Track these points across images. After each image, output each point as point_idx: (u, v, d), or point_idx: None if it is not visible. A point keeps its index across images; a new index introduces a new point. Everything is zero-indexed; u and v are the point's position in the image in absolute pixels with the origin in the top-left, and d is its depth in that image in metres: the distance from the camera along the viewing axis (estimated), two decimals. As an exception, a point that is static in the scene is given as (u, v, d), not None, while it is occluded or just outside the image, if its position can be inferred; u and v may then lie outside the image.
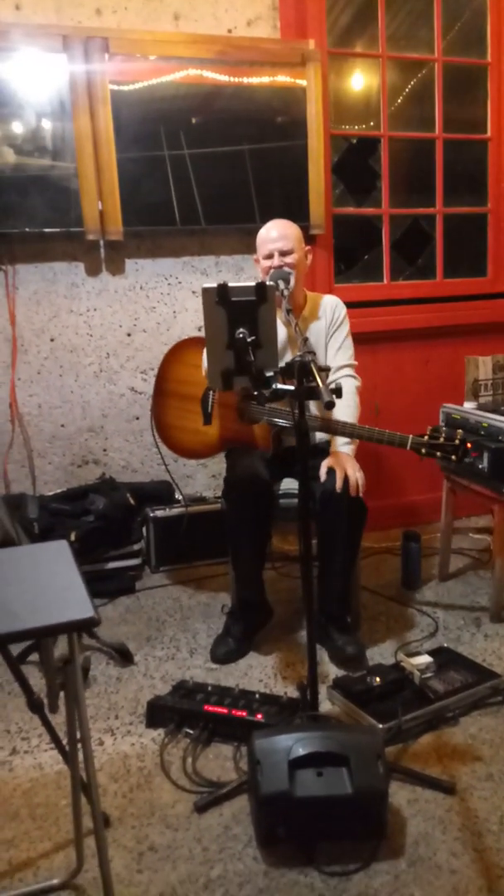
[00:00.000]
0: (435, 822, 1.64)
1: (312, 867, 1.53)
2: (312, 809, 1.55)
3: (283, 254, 2.29)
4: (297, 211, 2.92)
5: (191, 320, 3.02)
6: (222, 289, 1.68)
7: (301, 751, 1.57)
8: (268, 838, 1.58)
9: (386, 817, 1.59)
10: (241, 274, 3.07)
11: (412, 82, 3.42)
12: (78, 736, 1.29)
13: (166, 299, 3.02)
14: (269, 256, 2.31)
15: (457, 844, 1.58)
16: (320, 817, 1.56)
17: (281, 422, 2.26)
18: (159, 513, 2.93)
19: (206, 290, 1.69)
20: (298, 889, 1.48)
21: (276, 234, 2.32)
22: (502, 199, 3.45)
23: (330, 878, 1.50)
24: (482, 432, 2.47)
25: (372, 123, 3.33)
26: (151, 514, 2.92)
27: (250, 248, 2.97)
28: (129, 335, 3.00)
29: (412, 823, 1.64)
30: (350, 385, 2.38)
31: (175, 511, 2.94)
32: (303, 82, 2.96)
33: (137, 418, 3.06)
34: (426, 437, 2.07)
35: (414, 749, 1.88)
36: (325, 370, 1.95)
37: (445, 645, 2.30)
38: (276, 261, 2.29)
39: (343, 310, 2.45)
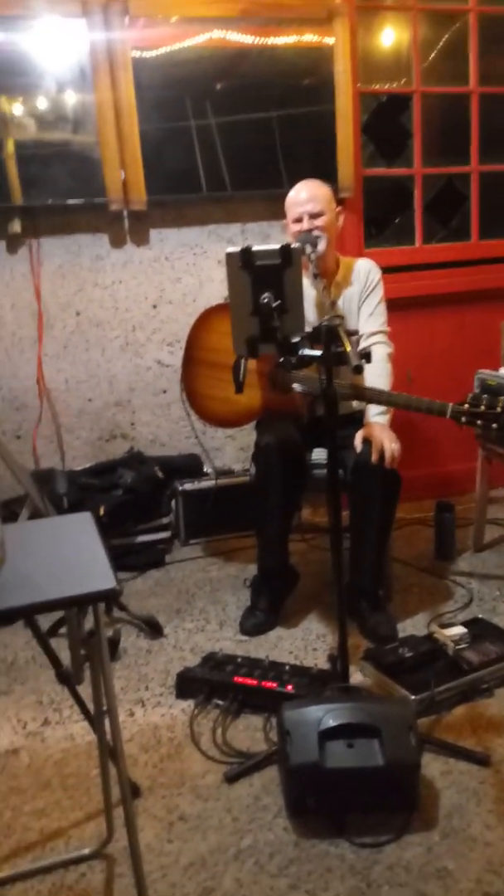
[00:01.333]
0: (469, 794, 1.61)
1: (343, 838, 1.51)
2: (343, 781, 1.53)
3: (313, 216, 2.22)
4: (325, 173, 2.80)
5: (217, 290, 2.97)
6: (246, 253, 1.63)
7: (331, 722, 1.55)
8: (298, 809, 1.57)
9: (418, 789, 1.56)
10: (268, 241, 3.00)
11: (446, 36, 3.28)
12: (105, 706, 1.28)
13: (192, 269, 2.97)
14: (299, 220, 2.24)
15: (491, 817, 1.55)
16: (351, 789, 1.55)
17: (306, 389, 2.21)
18: (188, 486, 2.91)
19: (229, 255, 1.64)
20: (329, 860, 1.47)
21: (305, 195, 2.25)
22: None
23: (361, 849, 1.49)
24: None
25: (403, 81, 3.21)
26: (180, 488, 2.90)
27: (276, 214, 2.90)
28: (154, 307, 2.97)
29: (445, 795, 1.61)
30: (382, 352, 2.32)
31: (204, 484, 2.92)
32: (330, 40, 2.85)
33: (165, 391, 3.03)
34: (466, 405, 2.00)
35: (447, 721, 1.85)
36: (353, 334, 1.90)
37: (480, 616, 2.25)
38: (305, 224, 2.22)
39: (377, 274, 2.38)
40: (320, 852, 1.49)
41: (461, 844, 1.49)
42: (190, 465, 3.01)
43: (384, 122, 3.23)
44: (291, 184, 2.34)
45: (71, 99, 2.68)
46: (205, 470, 3.01)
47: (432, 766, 1.70)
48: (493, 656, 2.00)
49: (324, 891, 1.40)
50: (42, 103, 2.65)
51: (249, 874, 1.45)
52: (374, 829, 1.53)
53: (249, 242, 2.96)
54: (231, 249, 1.63)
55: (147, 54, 2.71)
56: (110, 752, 1.40)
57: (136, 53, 2.69)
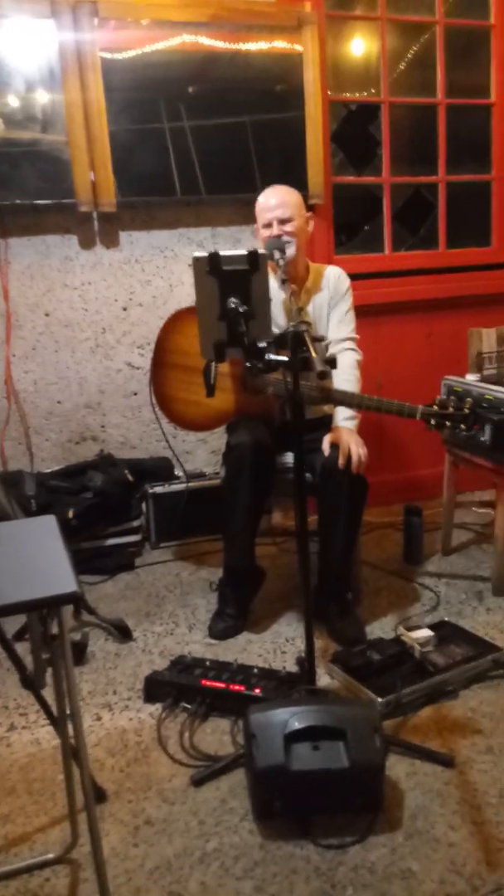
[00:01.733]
0: (433, 795, 1.63)
1: (308, 840, 1.52)
2: (308, 783, 1.54)
3: (283, 222, 2.24)
4: (295, 179, 2.84)
5: (187, 293, 2.97)
6: (213, 258, 1.63)
7: (297, 724, 1.55)
8: (264, 812, 1.57)
9: (383, 791, 1.58)
10: (238, 245, 3.02)
11: (414, 47, 3.33)
12: (68, 710, 1.27)
13: (162, 272, 2.97)
14: (268, 225, 2.25)
15: (455, 818, 1.57)
16: (316, 791, 1.55)
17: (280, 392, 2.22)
18: (158, 489, 2.90)
19: (196, 260, 1.65)
20: (294, 862, 1.47)
21: (274, 201, 2.26)
22: (506, 166, 3.37)
23: (326, 850, 1.50)
24: (485, 405, 2.42)
25: (373, 91, 3.25)
26: (151, 491, 2.90)
27: (247, 218, 2.93)
28: (124, 309, 2.96)
29: (410, 796, 1.63)
30: (351, 358, 2.34)
31: (175, 487, 2.92)
32: (299, 47, 2.88)
33: (135, 394, 3.02)
34: (435, 407, 2.03)
35: (413, 722, 1.86)
36: (319, 340, 1.92)
37: (447, 619, 2.28)
38: (275, 229, 2.24)
39: (346, 282, 2.40)
40: (285, 854, 1.49)
41: (425, 845, 1.50)
42: (161, 468, 3.00)
43: (353, 131, 3.27)
44: (263, 188, 2.35)
45: (40, 99, 2.67)
46: (176, 473, 3.01)
47: (397, 767, 1.71)
48: (458, 658, 2.03)
49: (289, 893, 1.41)
50: (11, 103, 2.64)
51: (215, 877, 1.45)
52: (340, 831, 1.54)
53: (219, 246, 2.98)
54: (198, 254, 1.64)
55: (117, 56, 2.71)
56: (74, 755, 1.39)
57: (106, 55, 2.68)
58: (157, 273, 2.96)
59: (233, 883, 1.44)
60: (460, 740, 1.79)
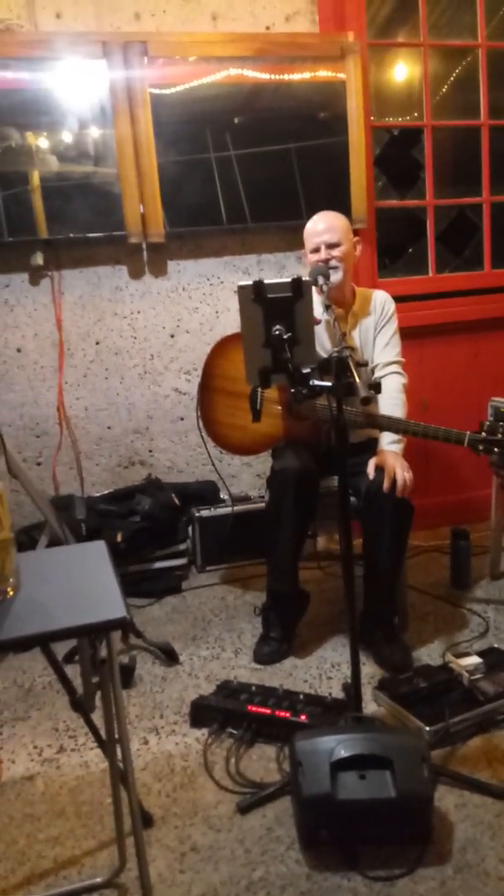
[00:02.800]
0: (484, 828, 1.60)
1: (356, 871, 1.50)
2: (355, 812, 1.52)
3: (331, 246, 2.26)
4: (339, 205, 2.87)
5: (233, 319, 3.02)
6: (258, 286, 1.67)
7: (343, 752, 1.54)
8: (310, 841, 1.56)
9: (431, 822, 1.55)
10: (283, 272, 3.06)
11: (456, 70, 3.35)
12: (117, 734, 1.29)
13: (208, 299, 3.03)
14: (317, 250, 2.28)
15: (506, 852, 1.53)
16: (363, 821, 1.54)
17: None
18: (204, 512, 2.93)
19: (241, 288, 1.68)
20: (341, 893, 1.46)
21: (322, 226, 2.29)
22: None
23: (374, 882, 1.48)
24: (533, 426, 2.38)
25: (415, 114, 3.27)
26: (197, 514, 2.93)
27: (291, 245, 2.97)
28: (172, 336, 3.02)
29: (460, 829, 1.60)
30: (396, 382, 2.34)
31: (220, 511, 2.95)
32: (342, 75, 2.92)
33: (182, 419, 3.07)
34: (483, 433, 2.01)
35: (462, 752, 1.83)
36: (363, 365, 1.93)
37: (496, 645, 2.24)
38: (323, 254, 2.26)
39: (392, 305, 2.41)
40: (332, 885, 1.48)
41: (475, 879, 1.47)
42: (207, 492, 3.04)
43: (396, 155, 3.29)
44: (308, 215, 2.38)
45: (92, 135, 2.77)
46: (221, 496, 3.03)
47: (447, 798, 1.68)
48: (508, 686, 1.98)
49: (336, 925, 1.40)
50: (65, 140, 2.74)
51: (261, 906, 1.44)
52: (388, 863, 1.52)
53: (265, 273, 3.02)
54: (243, 283, 1.67)
55: (165, 91, 2.79)
56: (122, 780, 1.41)
57: (155, 90, 2.77)
58: (203, 300, 3.02)
59: (279, 913, 1.43)
60: (512, 772, 1.75)
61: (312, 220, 2.34)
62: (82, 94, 2.72)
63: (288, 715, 1.89)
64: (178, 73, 2.80)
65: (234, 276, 3.03)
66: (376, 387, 1.64)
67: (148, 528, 2.79)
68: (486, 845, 1.55)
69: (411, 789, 1.50)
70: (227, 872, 1.53)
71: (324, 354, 1.78)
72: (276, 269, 3.06)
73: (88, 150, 2.78)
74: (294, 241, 2.47)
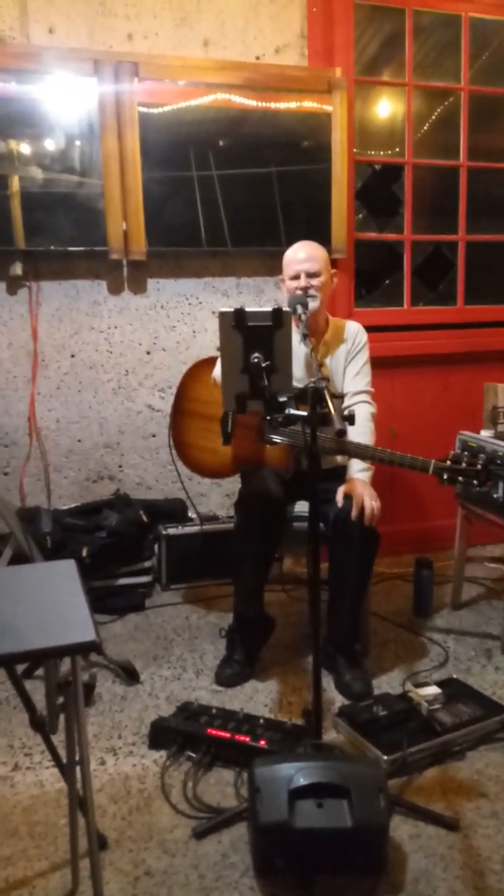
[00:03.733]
0: (436, 859, 1.61)
1: (310, 901, 1.51)
2: (312, 841, 1.53)
3: (311, 275, 2.31)
4: (319, 235, 2.93)
5: (210, 340, 3.04)
6: (239, 313, 1.69)
7: (302, 780, 1.55)
8: (265, 868, 1.56)
9: (386, 852, 1.56)
10: (262, 296, 3.10)
11: (438, 110, 3.44)
12: (77, 757, 1.29)
13: (186, 319, 3.05)
14: (296, 277, 2.32)
15: (457, 883, 1.55)
16: (319, 849, 1.54)
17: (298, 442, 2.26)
18: (172, 531, 2.93)
19: (222, 315, 1.71)
20: (294, 922, 1.46)
21: (304, 255, 2.33)
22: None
23: (327, 912, 1.48)
24: (498, 461, 2.44)
25: (397, 150, 3.35)
26: (164, 532, 2.92)
27: (271, 269, 3.01)
28: (148, 353, 3.03)
29: (413, 859, 1.62)
30: (365, 411, 2.38)
31: (188, 529, 2.95)
32: (329, 108, 2.99)
33: (154, 436, 3.08)
34: (448, 462, 2.06)
35: (418, 782, 1.85)
36: (338, 397, 1.97)
37: (455, 676, 2.27)
38: (302, 282, 2.30)
39: (364, 336, 2.46)
40: (285, 914, 1.48)
41: (426, 911, 1.49)
42: (175, 510, 3.04)
43: (377, 189, 3.37)
44: (288, 242, 2.43)
45: (78, 150, 2.78)
46: (189, 515, 3.04)
47: (401, 828, 1.70)
48: (465, 718, 2.02)
49: None
50: (50, 153, 2.75)
51: (213, 934, 1.44)
52: (342, 892, 1.53)
53: (244, 296, 3.06)
54: (224, 309, 1.69)
55: (153, 111, 2.82)
56: (80, 803, 1.40)
57: (143, 109, 2.80)
58: (181, 319, 3.04)
59: (231, 941, 1.42)
60: (465, 803, 1.78)
61: (293, 249, 2.38)
62: (71, 109, 2.73)
63: (248, 740, 1.90)
64: (167, 93, 2.83)
65: (213, 297, 3.06)
66: (350, 419, 1.67)
67: (114, 544, 2.78)
68: (439, 877, 1.57)
69: (368, 819, 1.51)
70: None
71: (297, 384, 1.81)
72: (254, 293, 3.09)
73: (74, 163, 2.79)
74: (273, 266, 2.51)
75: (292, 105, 2.98)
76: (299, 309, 2.20)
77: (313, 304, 2.30)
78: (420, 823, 1.71)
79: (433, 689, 2.09)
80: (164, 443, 2.82)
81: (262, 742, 1.88)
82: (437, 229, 3.43)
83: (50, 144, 2.75)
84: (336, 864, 1.56)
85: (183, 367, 2.59)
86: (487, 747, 1.97)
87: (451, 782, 1.85)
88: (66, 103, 2.73)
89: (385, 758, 1.86)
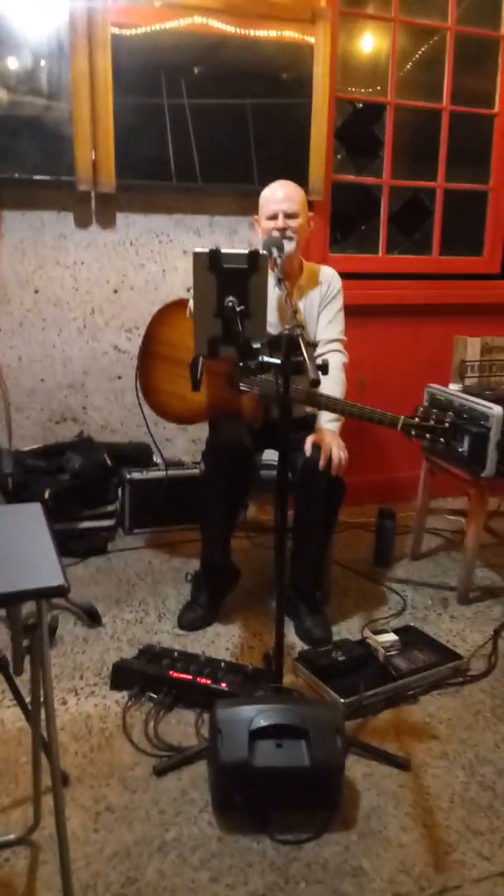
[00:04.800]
0: (388, 797, 1.68)
1: (265, 835, 1.56)
2: (270, 780, 1.57)
3: (288, 216, 2.23)
4: (296, 175, 2.82)
5: (181, 280, 2.96)
6: (214, 255, 1.64)
7: (262, 722, 1.58)
8: (224, 805, 1.61)
9: (341, 790, 1.62)
10: (235, 236, 3.01)
11: (422, 49, 3.33)
12: (42, 699, 1.28)
13: (156, 257, 2.95)
14: (273, 217, 2.24)
15: (407, 819, 1.62)
16: (277, 788, 1.59)
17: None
18: (136, 475, 2.91)
19: (197, 255, 1.65)
20: (251, 855, 1.51)
21: (282, 194, 2.25)
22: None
23: (282, 846, 1.54)
24: (465, 416, 2.46)
25: (378, 88, 3.24)
26: (128, 476, 2.90)
27: (245, 209, 2.91)
28: (115, 292, 2.94)
29: (366, 797, 1.68)
30: (337, 360, 2.35)
31: (153, 474, 2.92)
32: (311, 39, 2.86)
33: (119, 377, 3.01)
34: (416, 419, 2.06)
35: (373, 725, 1.91)
36: (313, 346, 1.93)
37: (412, 624, 2.33)
38: (280, 222, 2.23)
39: (339, 283, 2.42)
40: (242, 847, 1.53)
41: (377, 845, 1.55)
42: (140, 454, 3.00)
43: (357, 129, 3.27)
44: (262, 181, 2.34)
45: (45, 72, 2.62)
46: (154, 460, 3.01)
47: (355, 768, 1.76)
48: (420, 664, 2.08)
49: (244, 885, 1.45)
50: (15, 73, 2.59)
51: (172, 866, 1.48)
52: (296, 828, 1.58)
53: (217, 236, 2.97)
54: (199, 250, 1.64)
55: (126, 32, 2.67)
56: (44, 744, 1.40)
57: (116, 30, 2.64)
58: (151, 258, 2.94)
59: (189, 872, 1.47)
60: (417, 745, 1.85)
61: (270, 188, 2.30)
62: (38, 26, 2.56)
63: (209, 682, 1.93)
64: (142, 14, 2.68)
65: (184, 235, 2.96)
66: (324, 368, 1.65)
67: (77, 487, 2.75)
68: (390, 813, 1.63)
69: (325, 759, 1.56)
70: (140, 832, 1.56)
71: (271, 329, 1.78)
72: (227, 233, 3.00)
73: (41, 85, 2.64)
74: (247, 205, 2.43)
75: (273, 34, 2.84)
76: (275, 252, 2.14)
77: (289, 247, 2.24)
78: (374, 763, 1.78)
79: (390, 636, 2.14)
80: (131, 385, 2.75)
81: (223, 685, 1.91)
82: (416, 174, 3.36)
83: (14, 63, 2.59)
84: (292, 802, 1.62)
85: (152, 307, 2.51)
86: (440, 692, 2.04)
87: (405, 725, 1.91)
88: (34, 20, 2.55)
89: (342, 701, 1.91)
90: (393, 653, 2.10)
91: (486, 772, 1.77)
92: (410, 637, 2.21)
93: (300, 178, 2.86)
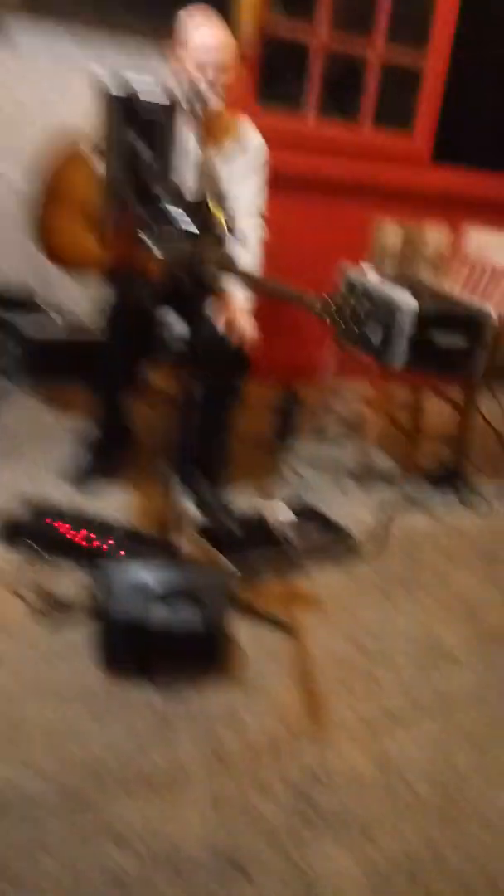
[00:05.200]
0: (271, 658, 1.79)
1: (152, 689, 1.63)
2: (161, 641, 1.64)
3: (219, 69, 2.04)
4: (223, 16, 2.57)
5: (82, 109, 2.53)
6: (126, 102, 1.48)
7: (156, 585, 1.63)
8: (111, 661, 1.66)
9: (230, 652, 1.71)
10: (146, 64, 2.63)
11: None
12: None
13: (54, 76, 2.61)
14: (202, 68, 2.03)
15: (287, 678, 1.74)
16: (169, 650, 1.66)
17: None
18: (25, 325, 2.70)
19: (110, 97, 1.49)
20: (138, 707, 1.59)
21: (214, 41, 2.03)
22: (441, 54, 3.21)
23: (166, 695, 1.62)
24: (380, 306, 2.45)
25: None
26: (18, 325, 2.69)
27: (157, 30, 2.54)
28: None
29: (253, 659, 1.77)
30: (256, 235, 2.26)
31: (47, 327, 2.73)
32: None
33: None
34: (333, 307, 2.01)
35: (264, 594, 2.00)
36: (231, 216, 1.83)
37: (309, 502, 2.42)
38: (210, 74, 2.02)
39: (265, 154, 2.27)
40: (127, 696, 1.60)
41: (257, 698, 1.67)
42: (25, 298, 2.79)
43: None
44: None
45: None
46: (40, 305, 2.81)
47: (244, 631, 1.85)
48: (314, 540, 2.18)
49: (127, 728, 1.53)
50: None
51: (56, 711, 1.54)
52: (181, 683, 1.66)
53: (123, 60, 2.61)
54: (114, 93, 1.47)
55: None
56: None
57: None
58: (45, 75, 2.59)
59: (73, 715, 1.53)
60: (304, 614, 1.96)
61: (200, 30, 2.05)
62: None
63: (104, 546, 1.94)
64: None
65: (86, 53, 2.60)
66: (242, 240, 1.58)
67: None
68: (272, 672, 1.75)
69: (215, 623, 1.64)
70: (27, 678, 1.59)
71: (188, 194, 1.66)
72: (136, 58, 2.65)
73: None
74: (160, 27, 2.08)
75: None
76: (198, 106, 1.96)
77: (216, 104, 2.06)
78: (262, 630, 1.87)
79: (287, 512, 2.23)
80: (9, 212, 2.44)
81: (121, 551, 1.93)
82: (353, 35, 3.13)
83: None
84: (182, 665, 1.69)
85: (42, 134, 2.20)
86: (331, 568, 2.15)
87: (294, 596, 2.02)
88: None
89: (236, 570, 1.99)
90: (288, 528, 2.19)
91: (368, 642, 1.91)
92: (307, 515, 2.30)
93: (228, 20, 2.59)
